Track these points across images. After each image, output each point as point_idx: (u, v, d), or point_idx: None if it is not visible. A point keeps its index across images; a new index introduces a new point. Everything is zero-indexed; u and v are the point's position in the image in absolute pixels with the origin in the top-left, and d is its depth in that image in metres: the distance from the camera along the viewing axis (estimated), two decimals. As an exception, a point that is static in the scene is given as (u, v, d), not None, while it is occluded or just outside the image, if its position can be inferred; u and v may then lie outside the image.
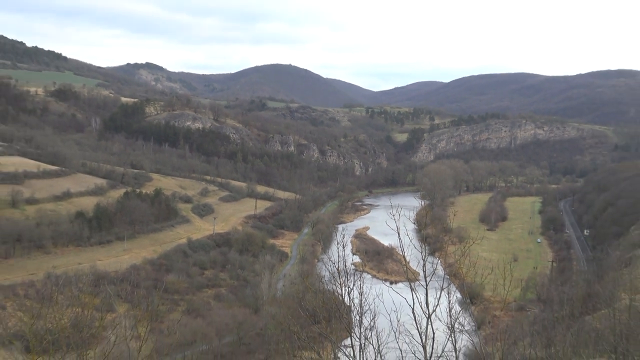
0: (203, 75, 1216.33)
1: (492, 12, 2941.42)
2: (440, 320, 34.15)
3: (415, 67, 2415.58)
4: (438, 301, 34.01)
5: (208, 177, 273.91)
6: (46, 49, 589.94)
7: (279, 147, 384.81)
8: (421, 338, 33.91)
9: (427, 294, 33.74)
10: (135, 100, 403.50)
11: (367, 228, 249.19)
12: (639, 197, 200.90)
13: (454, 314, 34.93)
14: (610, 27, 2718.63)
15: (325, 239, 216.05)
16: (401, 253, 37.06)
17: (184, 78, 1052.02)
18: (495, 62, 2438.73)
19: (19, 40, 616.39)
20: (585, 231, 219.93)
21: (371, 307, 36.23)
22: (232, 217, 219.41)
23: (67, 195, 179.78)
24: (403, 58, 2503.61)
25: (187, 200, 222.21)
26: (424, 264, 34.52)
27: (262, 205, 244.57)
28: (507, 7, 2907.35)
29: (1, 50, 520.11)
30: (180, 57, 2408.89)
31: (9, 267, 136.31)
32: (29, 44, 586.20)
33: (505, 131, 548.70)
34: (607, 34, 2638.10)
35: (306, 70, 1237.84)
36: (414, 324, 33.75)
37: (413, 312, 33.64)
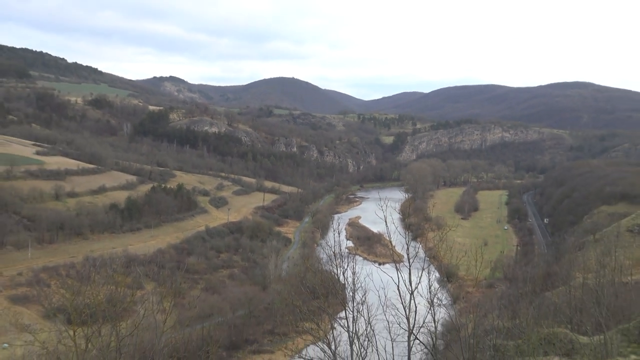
0: (218, 86, 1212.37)
1: (466, 33, 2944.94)
2: (421, 296, 34.11)
3: (400, 79, 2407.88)
4: (419, 279, 33.99)
5: (223, 174, 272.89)
6: (84, 64, 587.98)
7: (283, 148, 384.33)
8: (405, 311, 33.87)
9: (410, 274, 33.73)
10: (161, 108, 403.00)
11: (359, 217, 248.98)
12: (591, 191, 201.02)
13: (433, 290, 34.88)
14: (566, 45, 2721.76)
15: (323, 227, 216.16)
16: (388, 238, 36.92)
17: (202, 89, 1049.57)
18: (468, 75, 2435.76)
19: (61, 57, 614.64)
20: (545, 220, 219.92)
21: (362, 285, 36.19)
22: (244, 208, 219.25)
23: (102, 190, 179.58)
24: (390, 72, 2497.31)
25: (205, 193, 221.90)
26: (408, 248, 34.52)
27: (269, 198, 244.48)
28: (479, 30, 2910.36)
29: (46, 66, 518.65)
30: (199, 71, 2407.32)
31: (53, 251, 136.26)
32: (69, 60, 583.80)
33: (476, 134, 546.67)
34: (563, 50, 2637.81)
35: (307, 82, 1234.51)
36: (399, 299, 33.72)
37: (398, 289, 33.60)
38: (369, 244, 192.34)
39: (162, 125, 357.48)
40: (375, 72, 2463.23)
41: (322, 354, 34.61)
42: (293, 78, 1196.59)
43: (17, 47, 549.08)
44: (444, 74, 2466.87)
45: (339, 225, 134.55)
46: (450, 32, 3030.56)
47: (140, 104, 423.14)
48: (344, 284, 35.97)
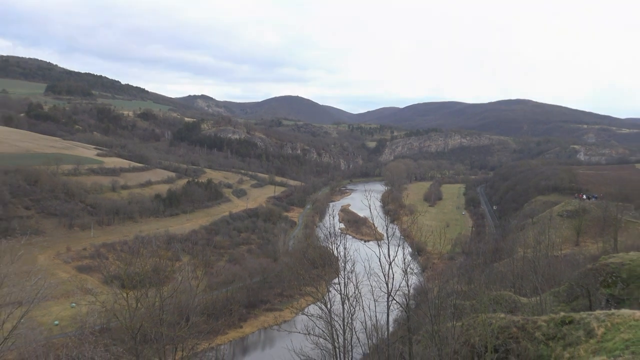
0: (239, 102, 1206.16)
1: (433, 62, 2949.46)
2: (398, 266, 34.16)
3: (381, 97, 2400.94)
4: (396, 253, 33.99)
5: (243, 171, 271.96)
6: (135, 85, 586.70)
7: (290, 151, 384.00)
8: (385, 278, 33.94)
9: (388, 248, 33.71)
10: (194, 119, 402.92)
11: (349, 205, 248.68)
12: (530, 184, 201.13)
13: (406, 261, 34.94)
14: (510, 70, 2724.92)
15: (320, 212, 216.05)
16: (371, 221, 36.99)
17: (227, 105, 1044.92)
18: (434, 94, 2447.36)
19: (117, 79, 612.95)
20: (494, 207, 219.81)
21: (351, 257, 36.25)
22: (259, 197, 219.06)
23: (148, 183, 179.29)
24: (373, 91, 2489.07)
25: (229, 186, 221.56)
26: (387, 229, 34.54)
27: (279, 190, 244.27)
28: (443, 60, 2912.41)
29: (105, 87, 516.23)
30: (225, 91, 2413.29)
31: (110, 231, 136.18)
32: (123, 82, 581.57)
33: (441, 140, 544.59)
34: (509, 74, 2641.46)
35: (309, 99, 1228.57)
36: (380, 268, 33.76)
37: (379, 261, 33.62)
38: (356, 225, 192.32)
39: (195, 133, 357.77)
40: (362, 91, 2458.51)
41: (320, 311, 34.71)
42: (298, 96, 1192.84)
43: (82, 72, 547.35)
44: (415, 93, 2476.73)
45: (333, 211, 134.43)
46: (420, 61, 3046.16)
47: (178, 116, 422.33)
48: (337, 257, 36.00)
